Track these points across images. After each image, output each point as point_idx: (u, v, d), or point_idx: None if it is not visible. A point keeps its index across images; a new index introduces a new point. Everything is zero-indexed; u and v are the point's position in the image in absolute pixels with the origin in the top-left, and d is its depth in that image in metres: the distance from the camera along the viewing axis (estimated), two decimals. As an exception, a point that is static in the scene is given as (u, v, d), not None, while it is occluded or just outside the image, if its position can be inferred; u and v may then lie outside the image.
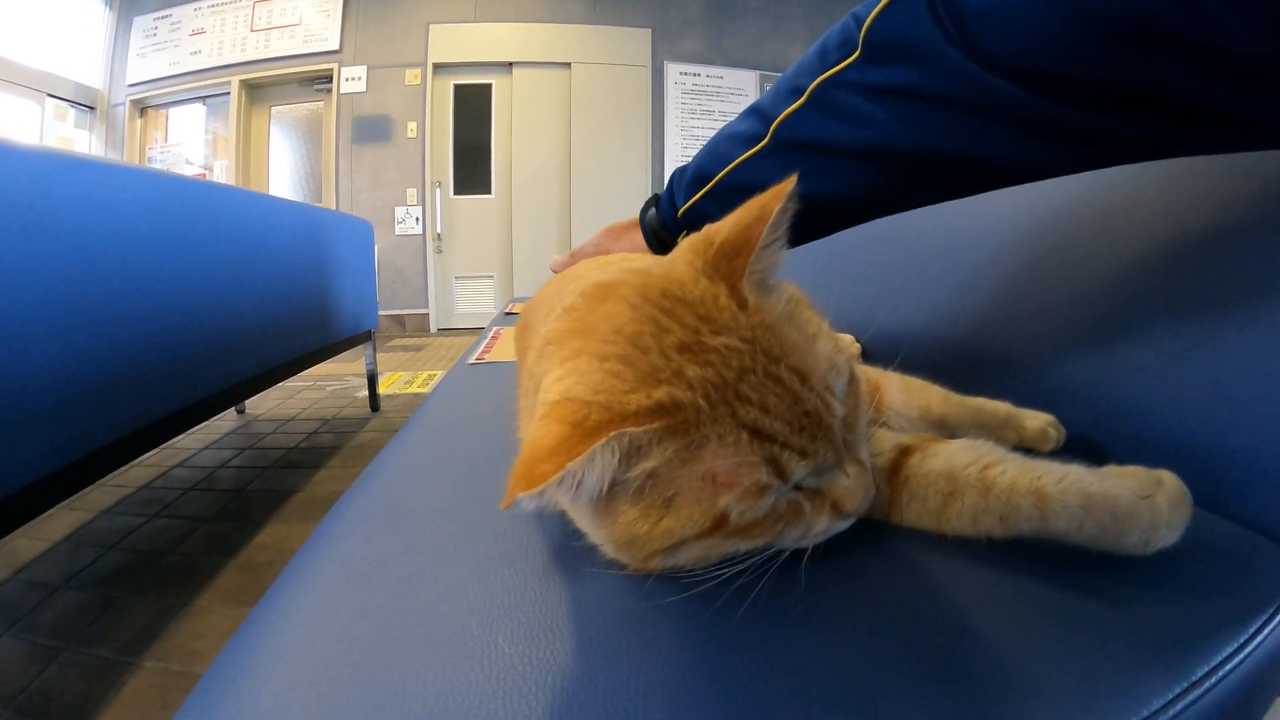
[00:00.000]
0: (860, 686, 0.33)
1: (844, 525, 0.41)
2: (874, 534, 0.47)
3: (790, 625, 0.38)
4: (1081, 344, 0.67)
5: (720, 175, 0.70)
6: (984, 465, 0.45)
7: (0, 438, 0.93)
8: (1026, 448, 0.60)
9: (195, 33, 5.49)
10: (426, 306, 5.74)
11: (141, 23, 5.60)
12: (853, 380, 0.42)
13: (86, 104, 5.53)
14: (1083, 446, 0.63)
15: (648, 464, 0.35)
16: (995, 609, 0.39)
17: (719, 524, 0.36)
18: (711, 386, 0.35)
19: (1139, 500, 0.39)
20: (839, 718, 0.31)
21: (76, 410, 1.08)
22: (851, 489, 0.39)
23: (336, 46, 5.41)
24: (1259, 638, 0.36)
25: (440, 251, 5.73)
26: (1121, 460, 0.54)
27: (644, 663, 0.35)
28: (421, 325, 5.75)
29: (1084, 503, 0.40)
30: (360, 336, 2.64)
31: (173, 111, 5.73)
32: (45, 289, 1.01)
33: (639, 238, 0.85)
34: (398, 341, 5.26)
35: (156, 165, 5.65)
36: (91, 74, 5.54)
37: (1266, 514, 0.48)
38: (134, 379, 1.23)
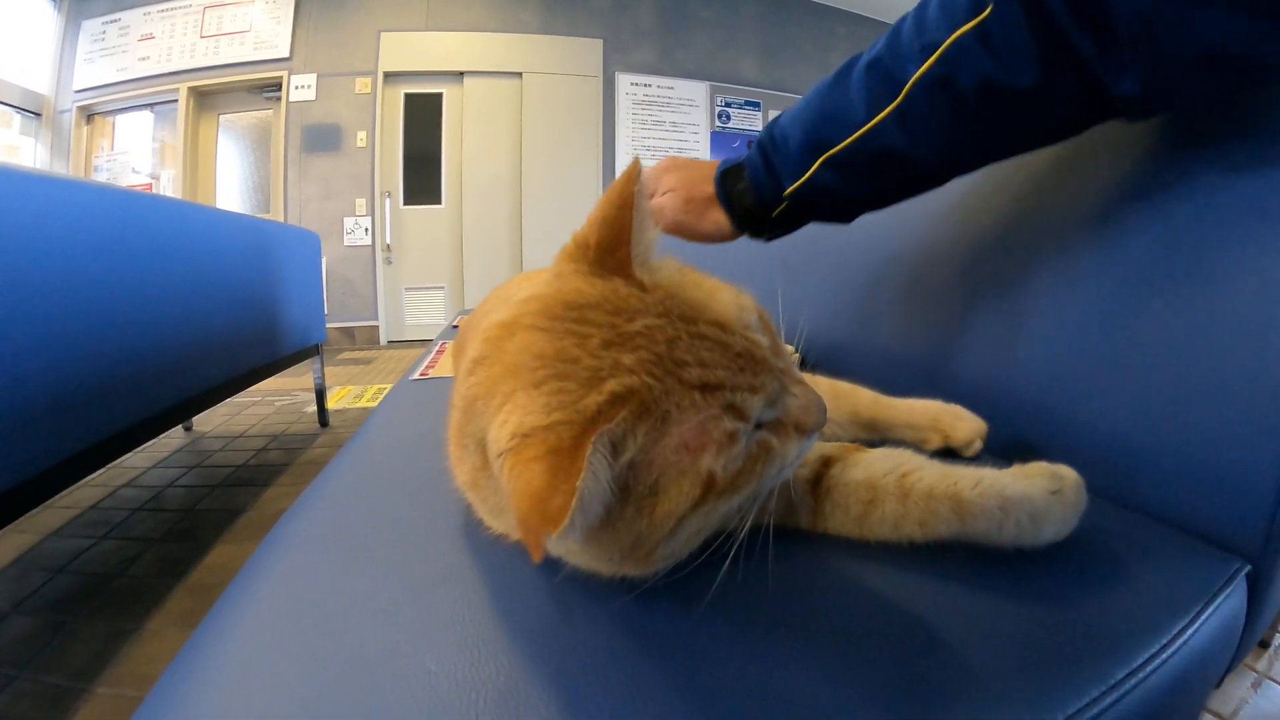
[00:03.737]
0: (798, 692, 0.35)
1: (811, 443, 0.43)
2: (813, 548, 0.50)
3: (724, 641, 0.40)
4: (985, 343, 0.71)
5: (846, 142, 0.64)
6: (902, 473, 0.48)
7: None
8: (952, 450, 0.64)
9: (144, 38, 5.37)
10: (376, 318, 5.67)
11: (90, 27, 5.47)
12: (762, 316, 0.44)
13: (32, 110, 5.38)
14: (1010, 449, 0.65)
15: (626, 456, 0.35)
16: (928, 615, 0.41)
17: (709, 487, 0.37)
18: (651, 364, 0.36)
19: (1050, 497, 0.44)
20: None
21: (19, 433, 1.08)
22: (805, 405, 0.41)
23: (287, 54, 5.34)
24: (1181, 640, 0.38)
25: (390, 262, 5.68)
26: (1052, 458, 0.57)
27: (581, 676, 0.37)
28: (371, 337, 5.68)
29: (1002, 504, 0.44)
30: (308, 350, 2.63)
31: (120, 119, 5.60)
32: None
33: (719, 216, 0.77)
34: (347, 355, 5.19)
35: (102, 174, 5.53)
36: (38, 79, 5.39)
37: (1193, 510, 0.51)
38: (75, 398, 1.22)
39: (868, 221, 0.74)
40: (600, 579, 0.44)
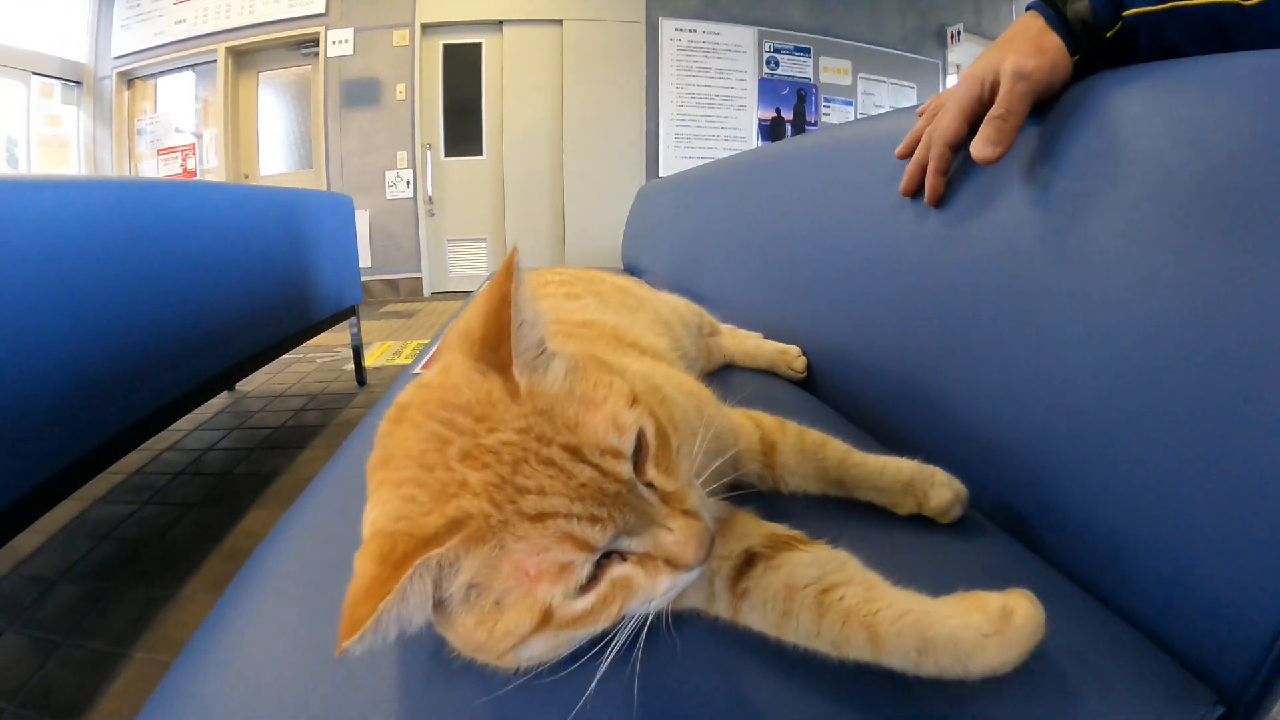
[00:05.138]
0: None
1: (692, 576, 0.41)
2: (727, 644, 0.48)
3: None
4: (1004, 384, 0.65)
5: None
6: (823, 587, 0.45)
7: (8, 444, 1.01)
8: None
9: (179, 1, 5.40)
10: (419, 270, 5.71)
11: (125, -6, 5.52)
12: (660, 433, 0.43)
13: (73, 79, 5.47)
14: (1000, 512, 0.62)
15: (463, 577, 0.36)
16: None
17: (546, 617, 0.37)
18: (493, 488, 0.36)
19: (983, 639, 0.40)
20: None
21: (74, 412, 1.16)
22: (680, 541, 0.39)
23: (323, 9, 5.31)
24: None
25: (432, 215, 5.70)
26: (1042, 538, 0.55)
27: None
28: (415, 289, 5.73)
29: (921, 647, 0.40)
30: (344, 313, 2.66)
31: (161, 81, 5.66)
32: (40, 305, 1.10)
33: (1049, 40, 0.62)
34: (390, 307, 5.26)
35: (145, 137, 5.64)
36: (76, 49, 5.47)
37: (1174, 628, 0.46)
38: (118, 380, 1.29)
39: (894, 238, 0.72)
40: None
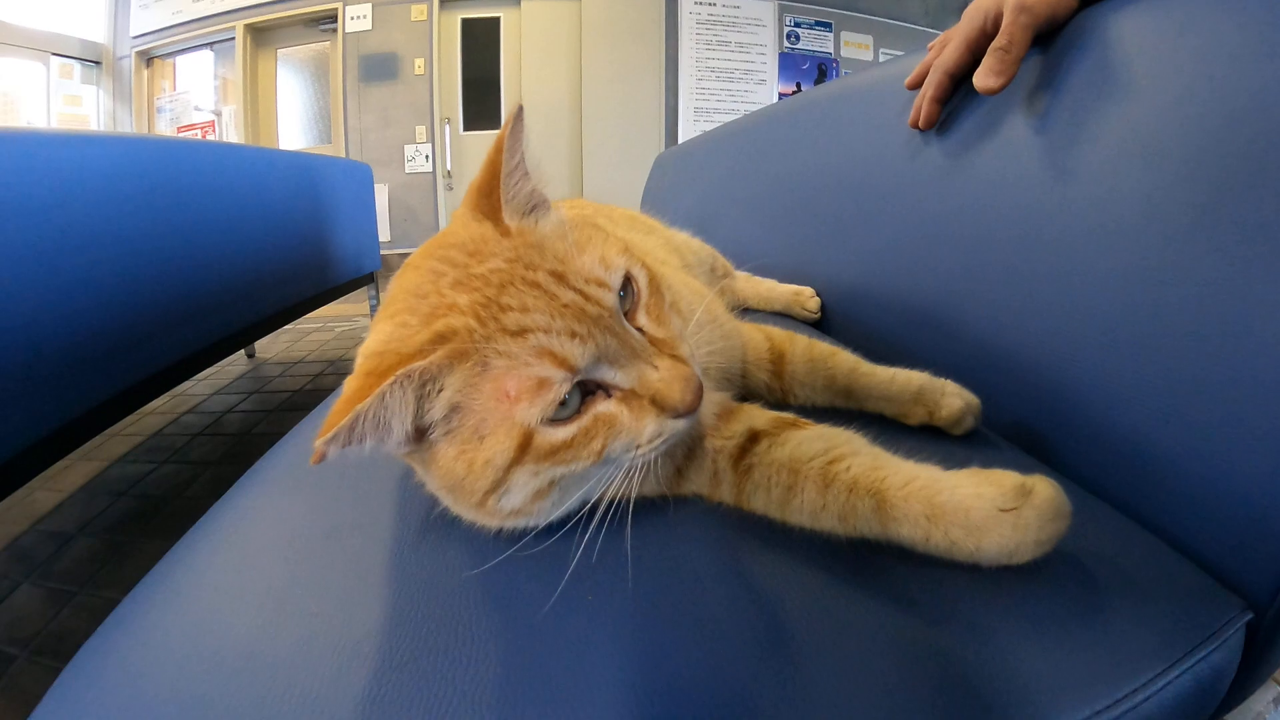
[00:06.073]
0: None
1: (680, 425, 0.40)
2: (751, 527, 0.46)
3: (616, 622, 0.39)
4: (1035, 314, 0.62)
5: None
6: (830, 458, 0.44)
7: (16, 397, 1.02)
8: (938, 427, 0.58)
9: (196, -20, 5.41)
10: (438, 244, 5.68)
11: (143, -26, 5.52)
12: (653, 285, 0.44)
13: (92, 59, 5.50)
14: (1017, 431, 0.60)
15: (446, 395, 0.37)
16: (908, 620, 0.37)
17: (525, 442, 0.37)
18: (479, 306, 0.37)
19: (997, 514, 0.37)
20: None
21: (86, 365, 1.17)
22: (666, 380, 0.39)
23: (341, -15, 5.30)
24: (1150, 690, 0.34)
25: (451, 189, 5.66)
26: (1061, 453, 0.52)
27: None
28: (434, 263, 5.71)
29: (929, 512, 0.38)
30: (362, 279, 2.67)
31: (180, 59, 5.66)
32: (52, 258, 1.09)
33: None
34: (410, 282, 5.24)
35: (165, 115, 5.65)
36: (95, 29, 5.50)
37: (1201, 537, 0.44)
38: (135, 333, 1.30)
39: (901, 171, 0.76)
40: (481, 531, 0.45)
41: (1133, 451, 0.49)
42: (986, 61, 0.63)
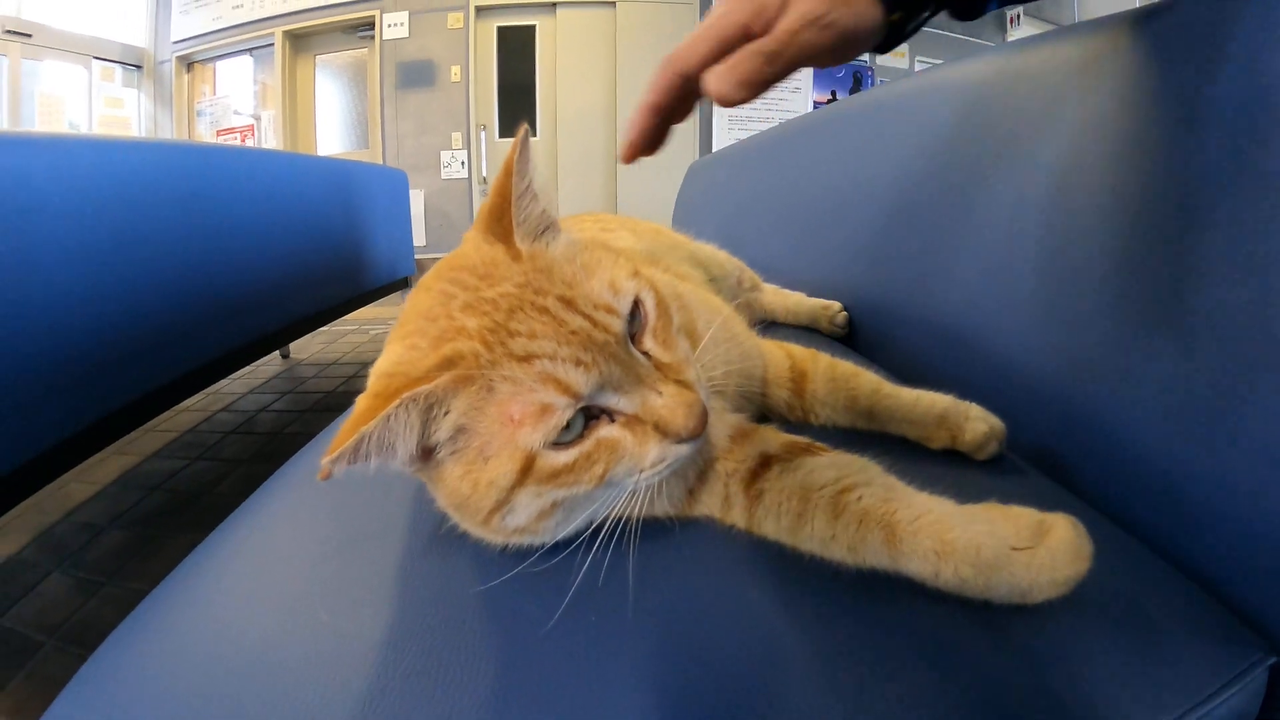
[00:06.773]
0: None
1: (683, 450, 0.40)
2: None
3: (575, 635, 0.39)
4: (1056, 334, 0.60)
5: None
6: (841, 487, 0.43)
7: (58, 392, 1.04)
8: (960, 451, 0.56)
9: (236, -13, 5.52)
10: (473, 251, 5.72)
11: (182, -20, 5.64)
12: (661, 308, 0.43)
13: (133, 63, 5.64)
14: (1042, 456, 0.58)
15: (452, 417, 0.37)
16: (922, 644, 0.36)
17: (528, 465, 0.37)
18: (488, 331, 0.37)
19: (1009, 553, 0.36)
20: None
21: (124, 362, 1.19)
22: (670, 406, 0.39)
23: (379, -8, 5.37)
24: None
25: (486, 195, 5.68)
26: (1086, 480, 0.50)
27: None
28: (469, 269, 5.75)
29: (939, 548, 0.37)
30: (397, 284, 2.68)
31: (220, 65, 5.78)
32: (96, 259, 1.12)
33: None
34: (444, 287, 5.28)
35: (205, 118, 5.76)
36: (136, 34, 5.64)
37: (1226, 574, 0.42)
38: (172, 332, 1.31)
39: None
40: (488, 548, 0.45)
41: (1161, 485, 0.47)
42: (741, 62, 0.42)
